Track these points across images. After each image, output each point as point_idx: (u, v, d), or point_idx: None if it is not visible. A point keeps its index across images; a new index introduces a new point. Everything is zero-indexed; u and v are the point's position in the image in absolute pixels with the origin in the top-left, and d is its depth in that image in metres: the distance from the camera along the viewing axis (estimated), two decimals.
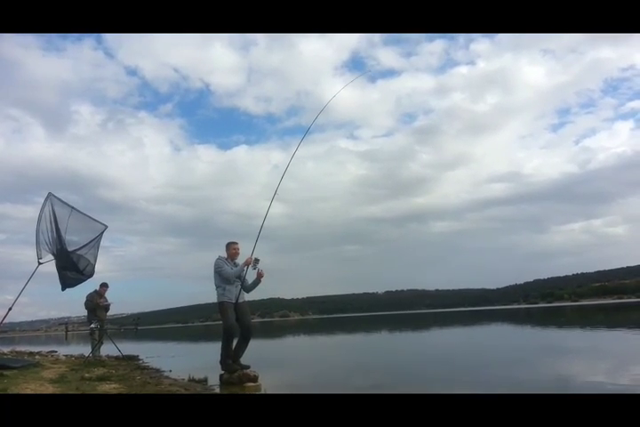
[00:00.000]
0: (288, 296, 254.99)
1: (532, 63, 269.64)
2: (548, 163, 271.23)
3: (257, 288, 8.31)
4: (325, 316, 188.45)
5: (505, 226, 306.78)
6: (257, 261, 8.00)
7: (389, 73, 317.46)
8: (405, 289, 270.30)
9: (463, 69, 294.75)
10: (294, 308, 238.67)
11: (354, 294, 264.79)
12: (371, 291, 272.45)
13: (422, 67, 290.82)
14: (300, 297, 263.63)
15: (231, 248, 8.31)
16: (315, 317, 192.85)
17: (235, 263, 8.24)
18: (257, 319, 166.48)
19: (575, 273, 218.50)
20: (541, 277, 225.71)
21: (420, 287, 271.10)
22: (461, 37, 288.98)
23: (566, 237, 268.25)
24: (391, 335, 25.62)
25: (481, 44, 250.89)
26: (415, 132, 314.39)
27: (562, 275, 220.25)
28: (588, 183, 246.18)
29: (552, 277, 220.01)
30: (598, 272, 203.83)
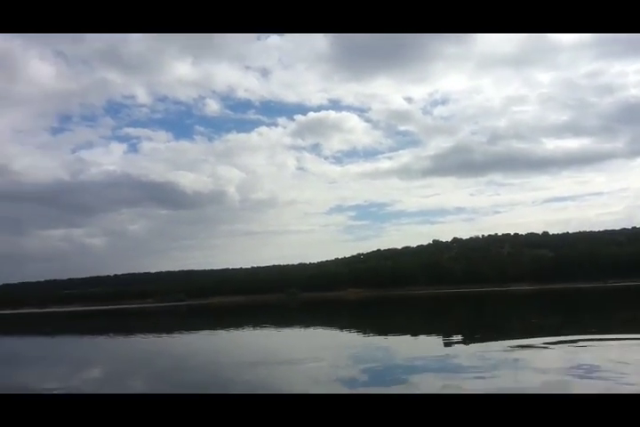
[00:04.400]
0: None
1: (42, 59, 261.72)
2: (41, 164, 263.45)
3: None
4: None
5: None
6: None
7: None
8: None
9: None
10: None
11: None
12: None
13: None
14: None
15: None
16: None
17: None
18: None
19: (47, 279, 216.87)
20: (11, 282, 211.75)
21: None
22: None
23: (45, 242, 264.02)
24: None
25: None
26: None
27: (33, 280, 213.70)
28: (76, 193, 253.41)
29: (23, 283, 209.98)
30: (71, 280, 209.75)
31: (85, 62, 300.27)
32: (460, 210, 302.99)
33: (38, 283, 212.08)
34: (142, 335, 26.86)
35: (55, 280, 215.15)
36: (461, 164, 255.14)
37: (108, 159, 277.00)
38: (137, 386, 10.46)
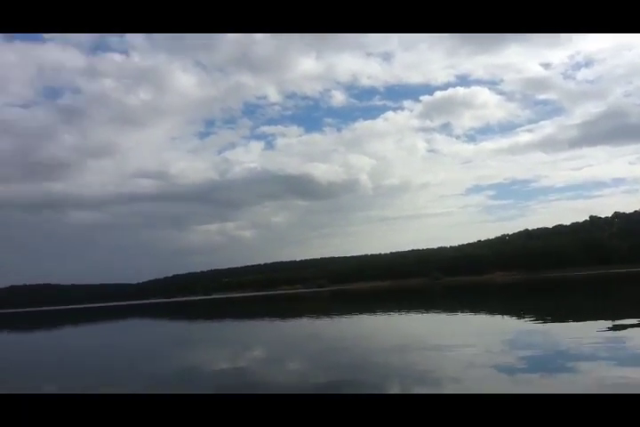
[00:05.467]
0: None
1: (185, 70, 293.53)
2: (193, 167, 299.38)
3: None
4: None
5: (148, 222, 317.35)
6: None
7: (31, 36, 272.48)
8: (40, 283, 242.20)
9: (117, 57, 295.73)
10: None
11: None
12: None
13: (72, 41, 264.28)
14: None
15: None
16: None
17: None
18: None
19: (209, 269, 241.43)
20: (180, 273, 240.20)
21: (53, 282, 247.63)
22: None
23: (203, 236, 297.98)
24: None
25: (136, 37, 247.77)
26: (60, 111, 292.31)
27: (197, 271, 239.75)
28: (224, 190, 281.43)
29: (189, 273, 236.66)
30: (228, 269, 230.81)
31: (221, 69, 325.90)
32: (618, 181, 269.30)
33: (202, 273, 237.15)
34: (296, 319, 28.65)
35: (216, 270, 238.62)
36: (615, 130, 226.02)
37: (248, 157, 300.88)
38: (292, 367, 11.24)
